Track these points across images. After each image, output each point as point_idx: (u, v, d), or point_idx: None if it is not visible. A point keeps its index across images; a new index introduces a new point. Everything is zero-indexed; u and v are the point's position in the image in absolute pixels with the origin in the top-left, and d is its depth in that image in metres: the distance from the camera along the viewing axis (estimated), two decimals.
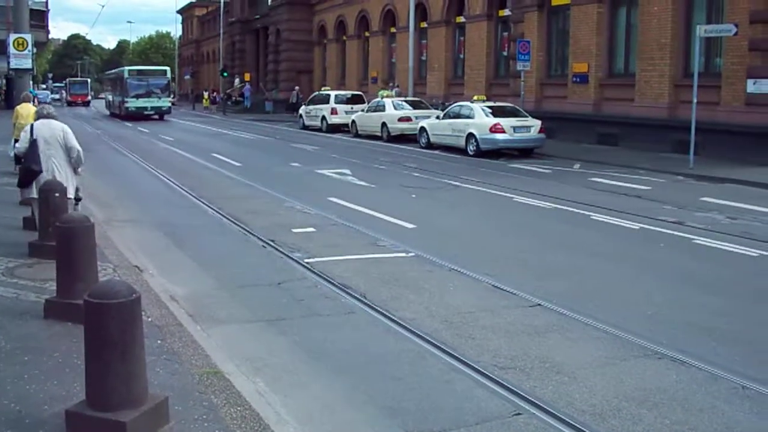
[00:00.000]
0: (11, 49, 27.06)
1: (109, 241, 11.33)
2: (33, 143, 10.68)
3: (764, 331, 8.01)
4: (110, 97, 64.93)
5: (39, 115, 11.15)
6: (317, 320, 8.24)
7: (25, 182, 10.92)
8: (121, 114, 54.31)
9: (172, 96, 56.34)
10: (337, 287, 9.34)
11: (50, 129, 10.87)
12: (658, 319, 8.27)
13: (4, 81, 61.12)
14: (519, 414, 5.85)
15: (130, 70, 55.95)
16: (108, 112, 64.07)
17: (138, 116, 52.16)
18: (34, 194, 10.77)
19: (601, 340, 7.58)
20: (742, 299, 9.24)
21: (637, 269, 10.69)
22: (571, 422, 5.67)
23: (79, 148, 11.09)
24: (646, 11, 27.03)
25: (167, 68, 58.46)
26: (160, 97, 54.28)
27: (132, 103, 53.10)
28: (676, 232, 12.99)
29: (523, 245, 12.21)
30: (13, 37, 26.94)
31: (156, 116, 53.66)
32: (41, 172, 10.67)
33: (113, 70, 70.51)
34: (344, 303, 8.78)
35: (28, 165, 10.73)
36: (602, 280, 10.07)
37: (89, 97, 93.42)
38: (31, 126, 10.89)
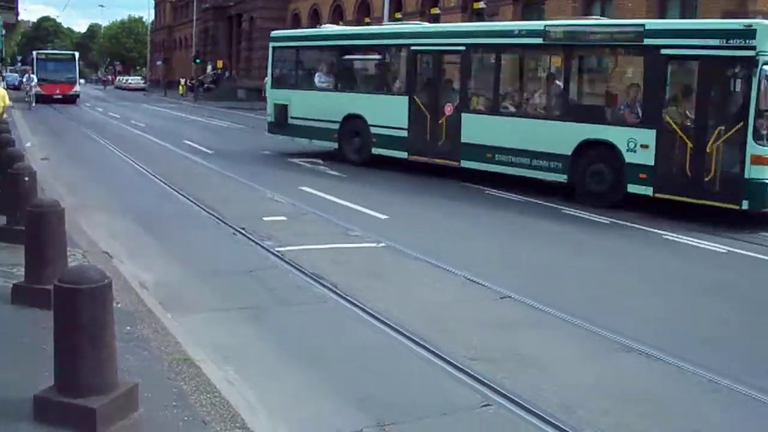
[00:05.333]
0: None
1: (78, 226, 11.23)
2: None
3: (733, 328, 8.12)
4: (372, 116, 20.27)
5: None
6: (288, 309, 8.24)
7: None
8: None
9: None
10: (308, 277, 9.32)
11: None
12: (628, 313, 8.36)
13: None
14: (488, 405, 5.88)
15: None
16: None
17: None
18: None
19: (571, 334, 7.64)
20: (708, 292, 9.39)
21: (609, 262, 10.86)
22: (539, 413, 5.71)
23: None
24: (620, 6, 27.14)
25: None
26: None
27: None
28: (646, 228, 13.14)
29: (495, 236, 12.30)
30: None
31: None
32: None
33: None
34: (316, 293, 8.77)
35: None
36: (573, 273, 10.16)
37: (77, 87, 56.20)
38: None
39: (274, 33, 25.02)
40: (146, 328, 6.98)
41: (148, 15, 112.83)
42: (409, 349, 7.08)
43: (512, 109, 17.35)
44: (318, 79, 22.30)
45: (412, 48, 19.35)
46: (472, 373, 6.44)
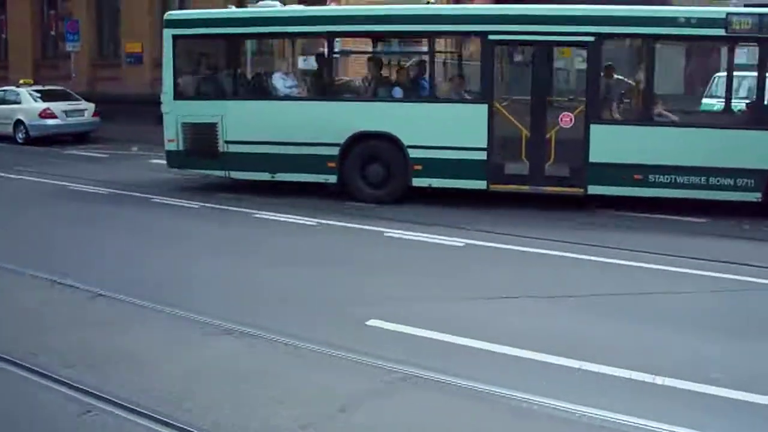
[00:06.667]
0: None
1: None
2: None
3: (321, 292, 8.60)
4: None
5: None
6: None
7: None
8: None
9: None
10: None
11: None
12: (224, 295, 8.57)
13: None
14: (89, 412, 5.65)
15: None
16: None
17: None
18: None
19: (168, 324, 7.64)
20: (302, 265, 9.86)
21: (198, 246, 11.09)
22: (145, 412, 5.60)
23: None
24: None
25: None
26: None
27: None
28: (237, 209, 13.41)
29: (83, 233, 11.95)
30: None
31: None
32: None
33: None
34: None
35: None
36: (163, 261, 10.20)
37: None
38: None
39: (173, 14, 16.23)
40: None
41: None
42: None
43: (674, 117, 13.68)
44: (281, 83, 15.46)
45: (491, 38, 13.69)
46: (68, 381, 6.15)
